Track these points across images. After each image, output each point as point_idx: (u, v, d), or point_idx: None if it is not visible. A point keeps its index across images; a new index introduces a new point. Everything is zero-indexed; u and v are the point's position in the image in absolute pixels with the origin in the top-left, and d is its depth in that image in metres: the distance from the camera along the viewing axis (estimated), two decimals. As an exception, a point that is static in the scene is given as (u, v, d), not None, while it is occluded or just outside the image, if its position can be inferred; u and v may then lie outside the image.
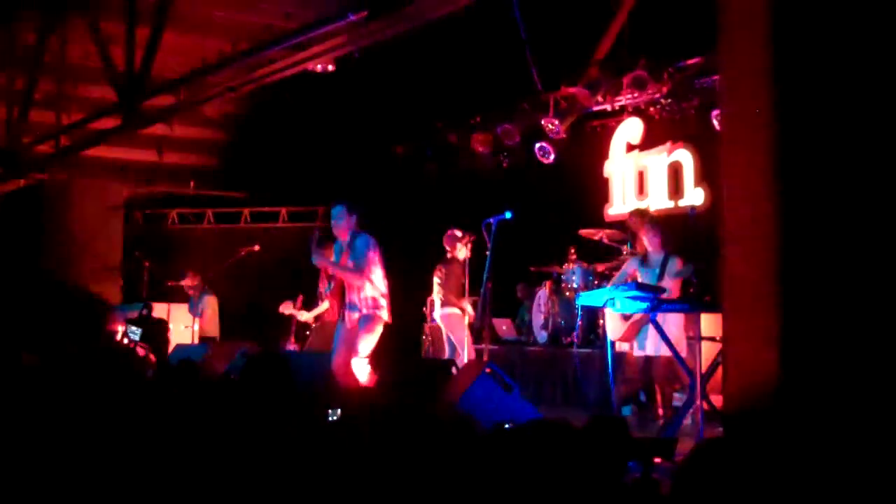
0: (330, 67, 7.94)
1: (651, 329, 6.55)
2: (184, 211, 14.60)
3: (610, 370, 6.76)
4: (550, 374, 9.17)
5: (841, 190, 3.63)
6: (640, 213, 8.28)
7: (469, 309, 8.86)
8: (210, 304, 11.13)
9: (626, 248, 8.91)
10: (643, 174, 10.01)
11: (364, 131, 12.29)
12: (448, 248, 9.05)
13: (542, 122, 10.12)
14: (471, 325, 8.91)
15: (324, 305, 9.16)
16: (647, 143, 9.95)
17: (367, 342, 7.07)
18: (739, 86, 3.94)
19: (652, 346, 6.87)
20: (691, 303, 6.42)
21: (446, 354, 9.12)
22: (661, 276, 7.10)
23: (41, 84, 10.33)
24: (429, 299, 10.19)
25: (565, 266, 9.65)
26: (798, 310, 3.59)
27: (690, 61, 8.81)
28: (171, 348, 9.77)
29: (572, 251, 9.62)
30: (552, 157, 10.32)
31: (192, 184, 13.60)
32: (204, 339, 10.73)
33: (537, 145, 10.33)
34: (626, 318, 7.00)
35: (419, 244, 10.15)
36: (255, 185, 13.71)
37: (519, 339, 10.39)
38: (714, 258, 5.47)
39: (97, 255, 12.76)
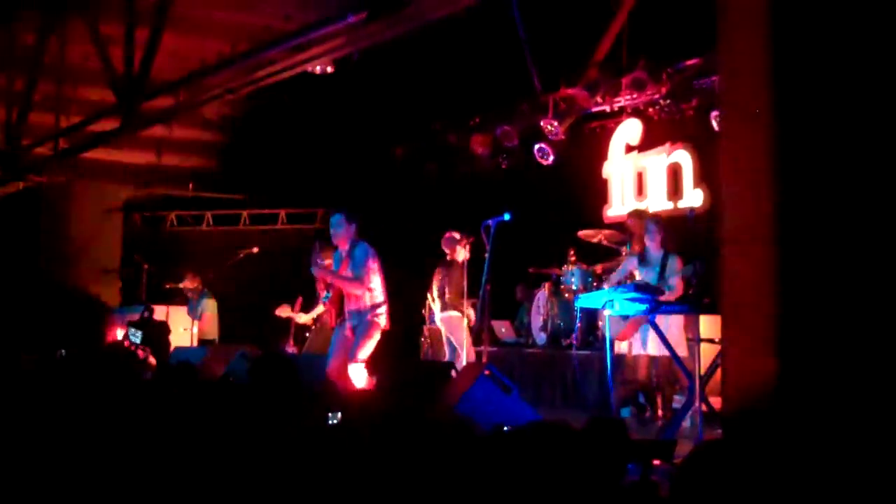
0: (329, 69, 7.94)
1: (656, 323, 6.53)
2: (183, 213, 14.60)
3: (609, 372, 6.75)
4: (549, 375, 9.17)
5: (840, 191, 3.62)
6: (639, 214, 8.28)
7: (470, 313, 8.86)
8: (209, 306, 11.12)
9: (624, 250, 8.91)
10: (642, 175, 10.01)
11: (363, 133, 12.29)
12: (447, 250, 9.05)
13: (542, 124, 10.12)
14: (471, 328, 8.92)
15: (321, 308, 9.17)
16: (647, 144, 9.95)
17: (365, 348, 7.07)
18: (739, 86, 3.94)
19: (656, 345, 6.85)
20: (690, 304, 6.41)
21: (446, 356, 9.11)
22: (661, 275, 7.09)
23: (40, 86, 10.32)
24: (427, 302, 10.19)
25: (564, 268, 9.64)
26: (797, 312, 3.58)
27: (689, 62, 8.81)
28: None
29: (571, 253, 9.61)
30: (551, 158, 10.31)
31: (191, 186, 13.59)
32: (203, 342, 10.72)
33: (536, 146, 10.33)
34: (625, 316, 6.99)
35: (418, 246, 10.15)
36: (254, 187, 13.71)
37: (518, 341, 10.39)
38: (713, 259, 5.46)
39: (96, 257, 12.77)
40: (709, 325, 6.42)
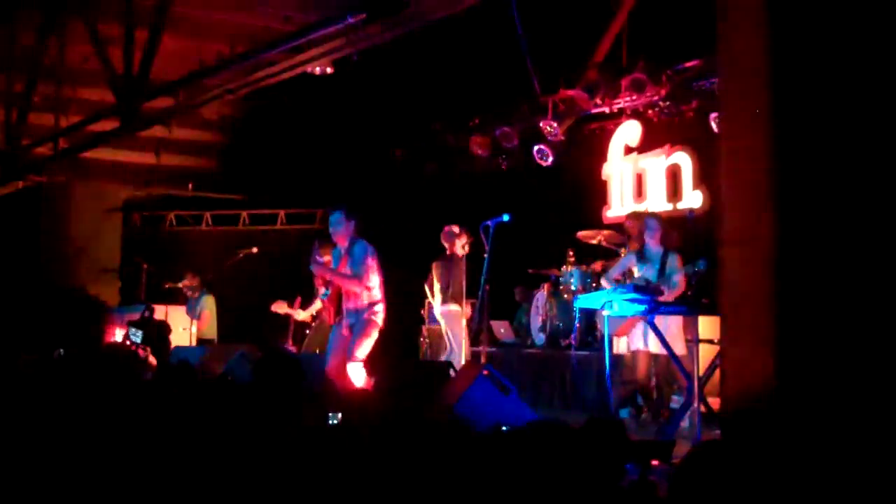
0: (328, 70, 7.94)
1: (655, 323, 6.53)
2: (182, 213, 14.60)
3: (607, 372, 6.75)
4: (548, 376, 9.17)
5: (839, 192, 3.63)
6: (637, 215, 8.28)
7: (467, 310, 8.89)
8: (208, 306, 11.12)
9: (623, 251, 8.92)
10: (642, 177, 10.01)
11: (362, 134, 12.29)
12: (446, 244, 9.09)
13: (541, 125, 10.13)
14: (469, 324, 8.93)
15: (318, 304, 9.19)
16: (646, 145, 9.95)
17: (363, 347, 7.07)
18: (738, 88, 3.95)
19: (656, 342, 6.83)
20: (689, 305, 6.42)
21: (447, 350, 9.12)
22: (661, 272, 7.08)
23: (40, 86, 10.33)
24: (427, 301, 10.20)
25: (563, 268, 9.65)
26: (795, 312, 3.59)
27: (689, 63, 8.82)
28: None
29: (570, 253, 9.62)
30: (550, 159, 10.32)
31: (190, 186, 13.60)
32: (202, 341, 10.72)
33: (536, 148, 10.34)
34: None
35: (417, 247, 10.15)
36: (253, 187, 13.71)
37: (517, 342, 10.39)
38: (712, 260, 5.47)
39: (95, 257, 12.77)
40: (708, 326, 6.43)
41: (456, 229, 9.00)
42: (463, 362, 8.70)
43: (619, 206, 10.19)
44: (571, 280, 9.45)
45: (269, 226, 14.28)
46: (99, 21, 8.82)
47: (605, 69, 9.63)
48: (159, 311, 10.98)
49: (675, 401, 7.20)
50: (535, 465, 2.62)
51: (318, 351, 8.91)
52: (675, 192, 9.61)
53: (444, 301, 9.02)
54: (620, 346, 7.78)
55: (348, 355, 7.02)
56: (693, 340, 6.20)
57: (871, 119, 3.66)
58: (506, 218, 7.70)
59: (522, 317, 10.62)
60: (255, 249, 11.09)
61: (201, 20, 8.60)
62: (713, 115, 8.32)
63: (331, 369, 7.06)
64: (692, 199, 9.35)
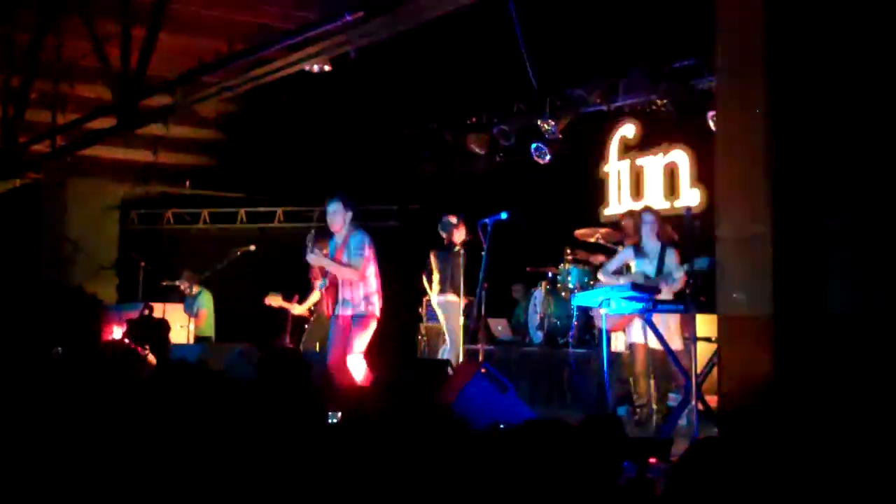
0: (326, 67, 7.94)
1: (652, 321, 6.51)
2: (180, 211, 14.58)
3: (605, 370, 6.75)
4: (546, 374, 9.18)
5: (836, 190, 3.64)
6: (632, 213, 8.27)
7: (464, 301, 8.93)
8: (206, 303, 11.11)
9: (620, 249, 8.92)
10: (639, 175, 10.02)
11: (360, 131, 12.29)
12: (444, 234, 9.11)
13: (539, 123, 10.13)
14: (466, 311, 8.93)
15: (314, 296, 9.20)
16: (644, 144, 9.96)
17: (362, 339, 7.12)
18: (735, 86, 3.95)
19: (654, 339, 6.80)
20: (687, 303, 6.41)
21: (445, 346, 9.12)
22: (660, 267, 7.06)
23: (37, 84, 10.32)
24: (425, 299, 10.20)
25: (561, 266, 9.66)
26: (793, 311, 3.60)
27: (686, 62, 8.81)
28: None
29: (568, 251, 9.63)
30: (548, 157, 10.32)
31: (188, 184, 13.59)
32: (199, 339, 10.72)
33: (533, 146, 10.34)
34: None
35: (415, 245, 10.16)
36: (251, 185, 13.71)
37: (514, 340, 10.41)
38: (705, 254, 5.46)
39: (93, 254, 12.75)
40: (706, 325, 6.43)
41: (454, 219, 9.04)
42: (459, 354, 8.74)
43: (616, 204, 10.20)
44: (569, 278, 9.46)
45: (266, 223, 14.28)
46: (97, 18, 8.81)
47: (603, 67, 9.62)
48: (157, 309, 10.98)
49: (673, 399, 7.20)
50: (532, 463, 2.62)
51: (317, 346, 8.92)
52: (672, 190, 9.62)
53: (443, 291, 9.03)
54: (619, 344, 7.78)
55: (348, 348, 7.06)
56: (691, 338, 6.19)
57: (868, 118, 3.67)
58: (504, 216, 7.70)
59: (520, 314, 10.62)
60: (252, 247, 11.08)
61: (199, 17, 8.59)
62: (710, 113, 8.32)
63: (333, 362, 7.12)
64: (690, 197, 9.36)
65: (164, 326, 10.44)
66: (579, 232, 9.54)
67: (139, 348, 8.73)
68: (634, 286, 6.30)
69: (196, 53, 8.78)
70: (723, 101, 4.14)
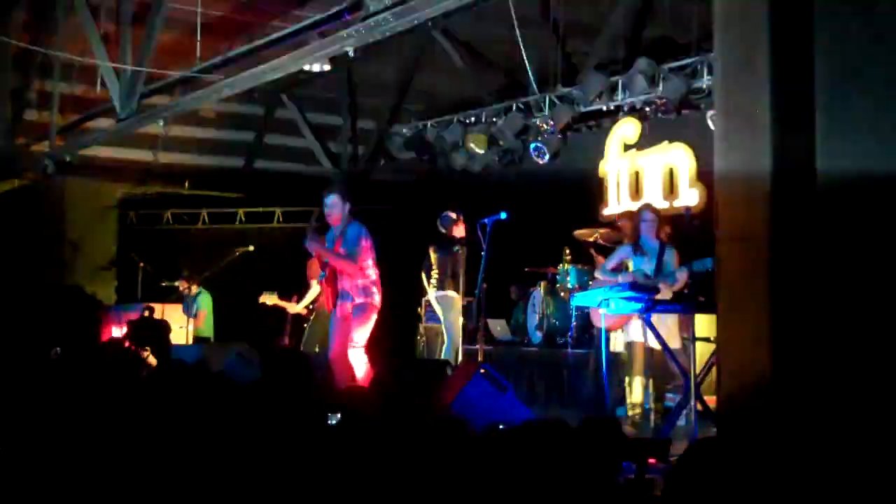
0: (326, 66, 7.93)
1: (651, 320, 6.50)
2: (178, 211, 14.57)
3: (604, 371, 6.74)
4: (545, 374, 9.18)
5: (835, 190, 3.63)
6: (630, 214, 8.26)
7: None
8: (204, 304, 11.11)
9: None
10: (639, 174, 10.02)
11: (358, 132, 12.28)
12: (444, 229, 9.13)
13: (538, 122, 10.12)
14: (466, 312, 8.93)
15: (312, 294, 9.20)
16: (643, 143, 9.95)
17: (362, 330, 7.17)
18: (735, 85, 3.94)
19: (654, 339, 6.78)
20: (686, 303, 6.41)
21: (445, 338, 9.12)
22: (658, 266, 7.04)
23: (35, 83, 10.30)
24: (424, 300, 10.19)
25: (560, 266, 9.65)
26: (792, 310, 3.59)
27: (686, 61, 8.80)
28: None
29: (567, 251, 9.62)
30: (547, 156, 10.31)
31: (186, 184, 13.57)
32: (198, 340, 10.71)
33: (532, 145, 10.32)
34: None
35: (414, 245, 10.14)
36: (250, 185, 13.69)
37: (513, 340, 10.40)
38: (707, 255, 5.46)
39: (91, 255, 12.73)
40: (705, 324, 6.43)
41: (453, 214, 9.09)
42: (458, 352, 8.74)
43: (616, 204, 10.20)
44: (568, 278, 9.45)
45: (265, 224, 14.26)
46: (96, 17, 8.80)
47: (602, 66, 9.61)
48: (156, 310, 10.96)
49: (671, 399, 7.20)
50: (531, 464, 2.62)
51: (317, 348, 8.91)
52: (672, 189, 9.62)
53: (441, 287, 9.04)
54: (618, 344, 7.77)
55: (348, 340, 7.11)
56: (690, 338, 6.19)
57: (868, 116, 3.66)
58: (503, 216, 7.71)
59: (519, 315, 10.61)
60: (251, 248, 11.08)
61: (199, 17, 8.57)
62: (710, 112, 8.31)
63: (334, 355, 7.17)
64: (689, 196, 9.35)
65: (164, 328, 10.43)
66: (578, 232, 9.54)
67: (140, 350, 8.73)
68: (633, 286, 6.29)
69: (195, 53, 8.77)
70: (722, 101, 4.13)
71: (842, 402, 3.49)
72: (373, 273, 7.30)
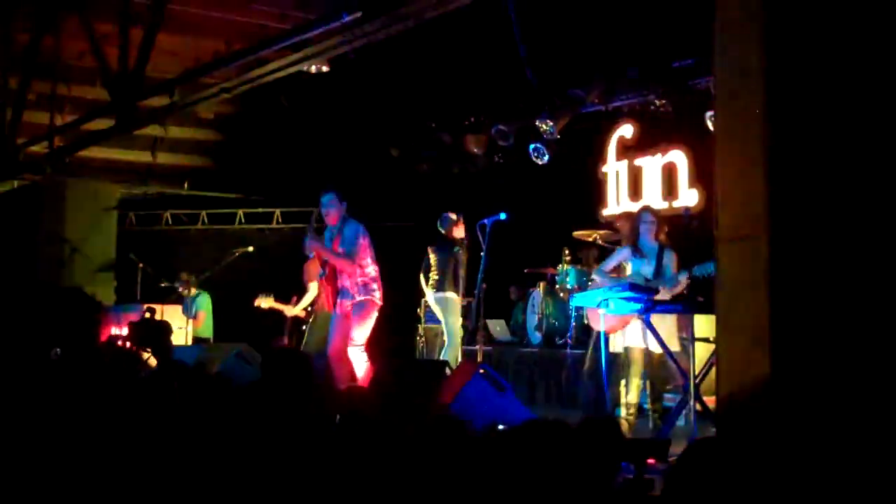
0: (324, 68, 7.94)
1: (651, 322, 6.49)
2: (177, 212, 14.57)
3: (603, 371, 6.74)
4: (544, 375, 9.19)
5: (834, 190, 3.63)
6: (629, 215, 8.26)
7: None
8: (204, 305, 11.11)
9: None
10: (638, 175, 10.02)
11: (358, 132, 12.28)
12: (443, 231, 9.13)
13: (537, 123, 10.12)
14: (465, 313, 8.93)
15: (309, 296, 9.20)
16: (642, 144, 9.95)
17: (363, 329, 7.18)
18: (734, 86, 3.95)
19: (653, 341, 6.78)
20: (685, 304, 6.41)
21: (445, 339, 9.13)
22: (658, 269, 7.03)
23: (35, 84, 10.30)
24: (424, 301, 10.20)
25: (559, 267, 9.66)
26: (791, 311, 3.59)
27: (685, 62, 8.81)
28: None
29: (566, 252, 9.63)
30: (546, 157, 10.32)
31: (186, 185, 13.58)
32: (198, 341, 10.71)
33: (532, 146, 10.33)
34: None
35: (413, 246, 10.15)
36: (249, 186, 13.70)
37: (513, 340, 10.41)
38: (708, 259, 5.46)
39: (91, 255, 12.73)
40: (704, 325, 6.43)
41: (453, 216, 9.10)
42: (458, 354, 8.74)
43: (615, 205, 10.20)
44: (567, 279, 9.46)
45: (264, 224, 14.27)
46: (94, 18, 8.80)
47: (601, 67, 9.61)
48: (156, 310, 10.96)
49: (671, 399, 7.20)
50: (531, 464, 2.62)
51: (316, 349, 8.91)
52: (670, 190, 9.61)
53: (441, 288, 9.03)
54: (616, 345, 7.77)
55: (348, 338, 7.11)
56: (689, 339, 6.19)
57: (867, 119, 3.66)
58: (503, 216, 7.71)
59: (518, 315, 10.62)
60: (250, 248, 11.09)
61: (197, 18, 8.59)
62: (708, 113, 8.32)
63: (333, 353, 7.17)
64: (688, 197, 9.35)
65: (165, 329, 10.43)
66: (578, 233, 9.54)
67: (141, 351, 8.73)
68: (632, 286, 6.29)
69: (194, 54, 8.78)
70: (721, 101, 4.13)
71: (841, 403, 3.49)
72: (372, 270, 7.32)
